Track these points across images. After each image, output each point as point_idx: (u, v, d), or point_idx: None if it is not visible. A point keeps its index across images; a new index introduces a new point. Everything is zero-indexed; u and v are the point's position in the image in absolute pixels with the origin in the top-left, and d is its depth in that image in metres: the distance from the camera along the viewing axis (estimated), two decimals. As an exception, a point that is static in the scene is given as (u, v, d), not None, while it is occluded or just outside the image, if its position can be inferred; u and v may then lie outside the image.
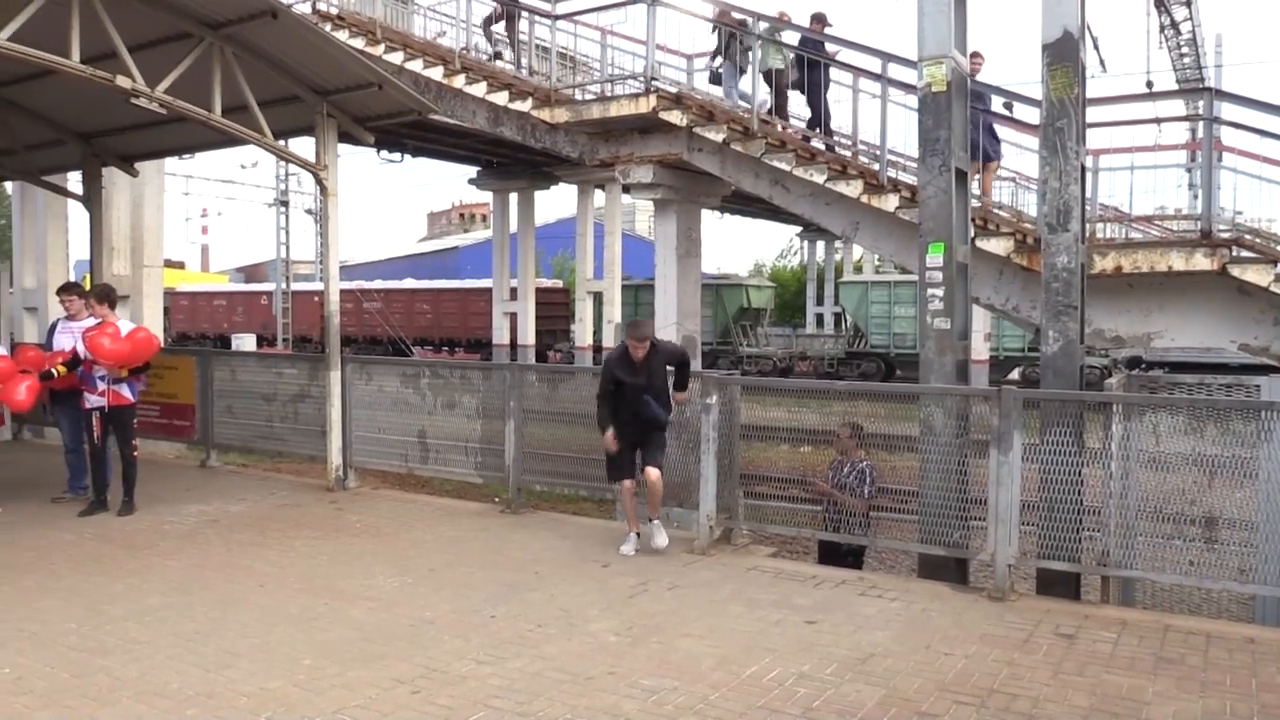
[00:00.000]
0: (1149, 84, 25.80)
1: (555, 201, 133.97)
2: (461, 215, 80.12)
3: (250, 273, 63.99)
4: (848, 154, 11.31)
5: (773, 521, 8.32)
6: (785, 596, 6.35)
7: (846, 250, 44.11)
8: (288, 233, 36.60)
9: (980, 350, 23.25)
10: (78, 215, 16.61)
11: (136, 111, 8.96)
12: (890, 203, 10.10)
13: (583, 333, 33.45)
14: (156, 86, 8.50)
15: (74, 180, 13.97)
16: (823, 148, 11.47)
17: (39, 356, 9.03)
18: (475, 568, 7.03)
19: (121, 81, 8.32)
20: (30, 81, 10.45)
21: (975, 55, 9.62)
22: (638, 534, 7.55)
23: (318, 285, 36.86)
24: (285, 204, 37.60)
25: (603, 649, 5.38)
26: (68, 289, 9.45)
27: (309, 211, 44.22)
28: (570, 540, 7.84)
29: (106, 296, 8.84)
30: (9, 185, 24.09)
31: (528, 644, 5.45)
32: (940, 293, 7.48)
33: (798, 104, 13.01)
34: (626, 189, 18.01)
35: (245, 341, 36.79)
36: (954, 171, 7.55)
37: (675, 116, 11.83)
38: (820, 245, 44.04)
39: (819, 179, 10.59)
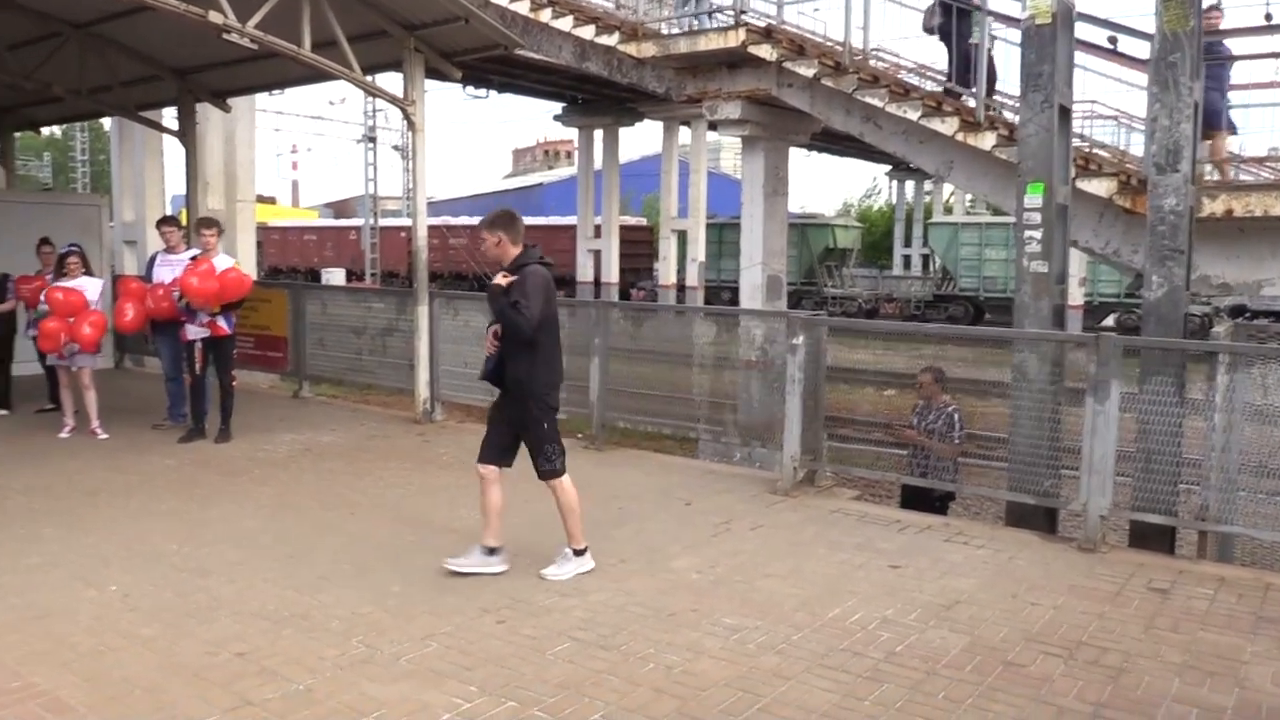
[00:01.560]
0: (1268, 16, 24.45)
1: (640, 138, 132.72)
2: (546, 152, 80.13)
3: (339, 208, 65.11)
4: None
5: (856, 464, 8.26)
6: (869, 540, 6.30)
7: (936, 190, 43.08)
8: (375, 169, 37.11)
9: (1075, 295, 22.60)
10: (173, 151, 17.05)
11: (229, 47, 9.07)
12: (987, 141, 9.78)
13: (666, 271, 33.37)
14: (247, 22, 8.59)
15: (169, 116, 14.28)
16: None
17: (140, 288, 9.31)
18: (559, 502, 7.10)
19: (214, 17, 8.41)
20: (127, 17, 10.63)
21: (1211, 10, 8.62)
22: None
23: (405, 221, 37.39)
24: (373, 140, 38.04)
25: (685, 586, 5.41)
26: (167, 222, 9.69)
27: (396, 148, 44.64)
28: (653, 477, 7.88)
29: (215, 225, 9.13)
30: (107, 122, 24.75)
31: (611, 578, 5.51)
32: (1038, 235, 7.24)
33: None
34: (713, 126, 17.76)
35: (334, 276, 37.56)
36: (1057, 108, 7.25)
37: (765, 51, 11.58)
38: (909, 185, 43.05)
39: (913, 116, 10.29)
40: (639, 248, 36.75)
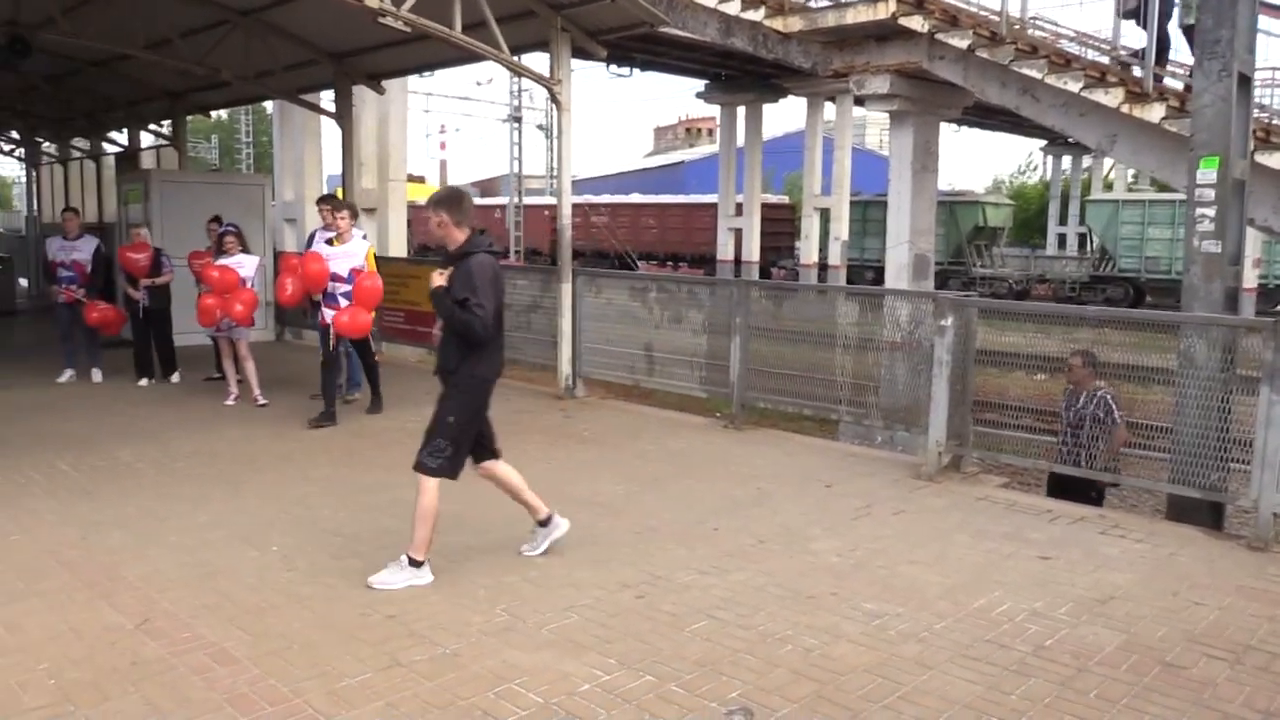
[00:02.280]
0: None
1: (783, 115, 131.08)
2: (688, 130, 79.99)
3: (484, 187, 66.59)
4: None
5: (1004, 451, 7.98)
6: (1017, 529, 6.09)
7: (1096, 166, 41.09)
8: (520, 147, 37.82)
9: (1249, 278, 21.23)
10: (330, 132, 17.73)
11: (383, 31, 9.35)
12: (1155, 112, 9.26)
13: (808, 250, 32.92)
14: (401, 5, 8.84)
15: (326, 99, 14.86)
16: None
17: (299, 264, 9.72)
18: (698, 480, 7.13)
19: (369, 1, 8.68)
20: (289, 3, 11.10)
21: None
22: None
23: (548, 199, 38.02)
24: (518, 119, 38.75)
25: (825, 569, 5.35)
26: (325, 200, 10.08)
27: (540, 127, 45.42)
28: (792, 458, 7.81)
29: (347, 207, 9.20)
30: (270, 105, 25.99)
31: (750, 558, 5.49)
32: (1211, 212, 6.81)
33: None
34: (860, 101, 17.37)
35: (480, 253, 38.36)
36: (1235, 76, 6.79)
37: (916, 22, 11.24)
38: (1066, 160, 41.20)
39: (1074, 87, 9.83)
40: (780, 226, 36.34)
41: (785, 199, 39.97)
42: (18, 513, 6.18)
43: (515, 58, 9.99)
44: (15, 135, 23.64)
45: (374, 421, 9.00)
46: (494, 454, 5.48)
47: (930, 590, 5.05)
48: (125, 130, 19.35)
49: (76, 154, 22.63)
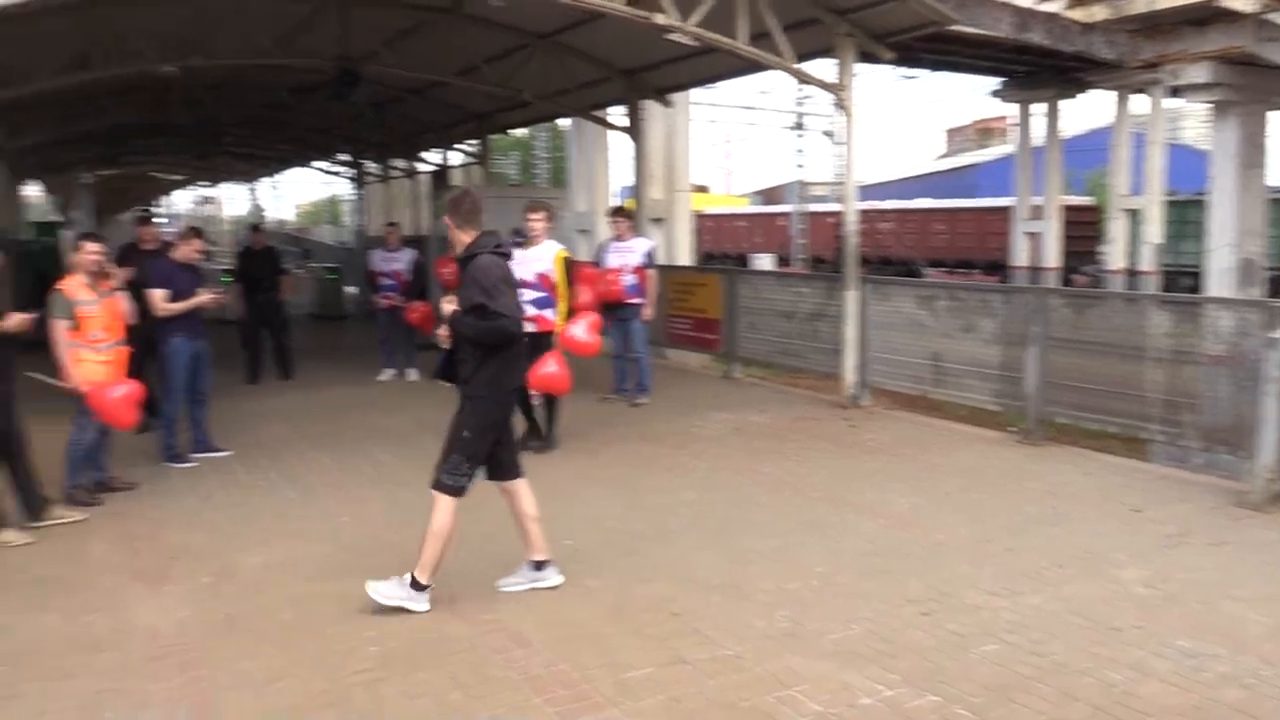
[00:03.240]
0: None
1: (1083, 112, 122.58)
2: (981, 130, 76.57)
3: (768, 195, 66.82)
4: None
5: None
6: (1367, 568, 5.38)
7: None
8: (804, 155, 37.62)
9: None
10: (620, 146, 18.51)
11: (670, 46, 9.65)
12: None
13: (1114, 254, 30.61)
14: (688, 20, 9.07)
15: (615, 114, 15.50)
16: None
17: (592, 273, 10.20)
18: (990, 496, 6.82)
19: (658, 18, 8.97)
20: (584, 25, 11.68)
21: None
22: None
23: (832, 206, 37.60)
24: (802, 127, 38.63)
25: (1130, 599, 4.96)
26: (616, 212, 10.53)
27: (825, 133, 45.01)
28: (1093, 477, 7.30)
29: (544, 209, 8.21)
30: (565, 122, 27.41)
31: (1045, 581, 5.19)
32: None
33: None
34: (1175, 92, 15.98)
35: (763, 261, 38.70)
36: None
37: (1240, 3, 10.20)
38: None
39: None
40: (1082, 229, 33.95)
41: (1089, 200, 37.35)
42: (349, 499, 6.89)
43: (799, 65, 9.98)
44: (345, 158, 26.32)
45: (662, 425, 9.24)
46: (518, 473, 5.17)
47: (1254, 630, 4.57)
48: (438, 150, 21.06)
49: (396, 173, 24.91)
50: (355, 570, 5.26)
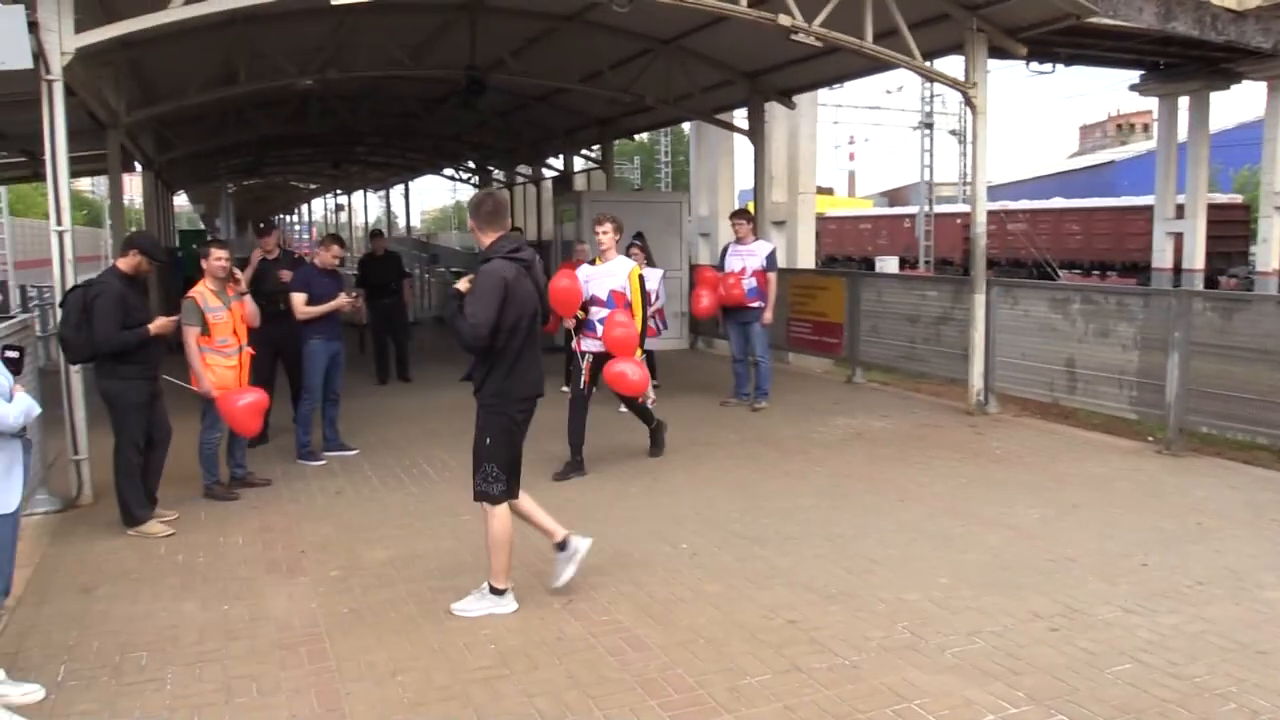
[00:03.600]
0: None
1: (1230, 105, 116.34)
2: (1119, 126, 73.47)
3: (892, 196, 65.59)
4: None
5: None
6: None
7: None
8: (931, 155, 36.82)
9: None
10: (741, 149, 18.38)
11: (794, 47, 9.54)
12: None
13: (1267, 256, 28.94)
14: (813, 21, 8.96)
15: (738, 117, 15.44)
16: None
17: (714, 277, 10.19)
18: (1124, 509, 6.52)
19: (783, 20, 8.89)
20: (707, 29, 11.67)
21: None
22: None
23: (959, 207, 36.68)
24: (929, 126, 37.76)
25: (1279, 622, 4.67)
26: (738, 215, 10.47)
27: (953, 133, 43.93)
28: (1240, 492, 6.91)
29: (611, 220, 7.79)
30: (686, 127, 27.38)
31: (1184, 600, 4.93)
32: None
33: None
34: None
35: (888, 264, 37.93)
36: None
37: None
38: None
39: None
40: (1231, 229, 32.18)
41: (1238, 199, 35.40)
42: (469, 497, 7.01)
43: (928, 63, 9.75)
44: (471, 165, 26.94)
45: (780, 429, 9.15)
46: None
47: None
48: (561, 156, 21.36)
49: (520, 179, 25.37)
50: (475, 567, 5.35)
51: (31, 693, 4.08)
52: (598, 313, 7.65)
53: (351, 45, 12.02)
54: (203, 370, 6.77)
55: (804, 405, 10.25)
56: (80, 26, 6.68)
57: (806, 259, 17.96)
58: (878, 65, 10.64)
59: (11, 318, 8.65)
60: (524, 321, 4.85)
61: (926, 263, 36.01)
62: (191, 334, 6.78)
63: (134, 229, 13.38)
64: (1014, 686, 4.02)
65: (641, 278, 7.78)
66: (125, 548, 6.08)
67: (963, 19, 9.49)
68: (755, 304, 9.93)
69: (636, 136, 26.47)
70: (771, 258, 10.04)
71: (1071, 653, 4.34)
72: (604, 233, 7.62)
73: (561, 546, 5.13)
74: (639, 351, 7.68)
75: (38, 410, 3.70)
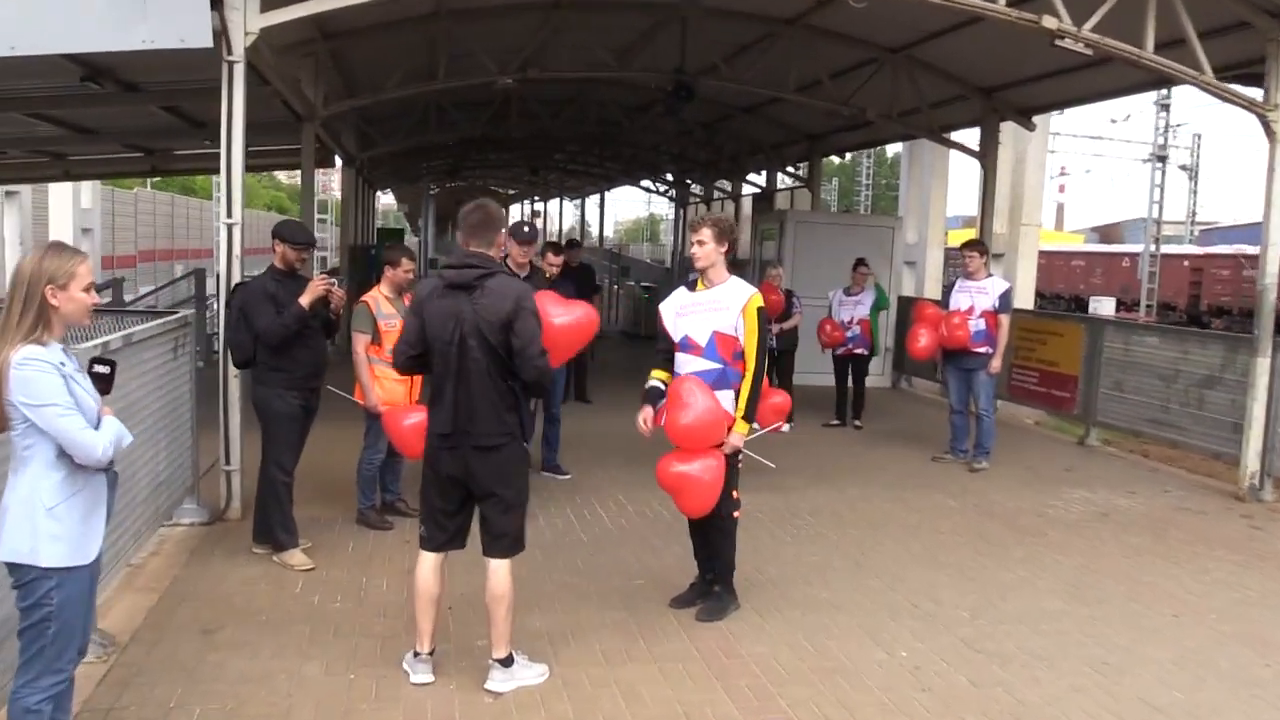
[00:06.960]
0: None
1: None
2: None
3: (1104, 233, 61.32)
4: None
5: None
6: None
7: None
8: (1162, 190, 33.75)
9: None
10: (957, 174, 16.91)
11: (1041, 59, 8.28)
12: None
13: None
14: (1083, 25, 7.67)
15: (960, 137, 14.02)
16: None
17: (936, 314, 8.94)
18: None
19: (1047, 21, 7.64)
20: (940, 37, 10.48)
21: None
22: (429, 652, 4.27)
23: (1187, 248, 33.53)
24: (1162, 159, 34.68)
25: None
26: (971, 245, 9.16)
27: (1183, 168, 40.45)
28: None
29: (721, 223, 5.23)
30: (890, 148, 25.91)
31: None
32: None
33: None
34: None
35: (1103, 305, 34.87)
36: None
37: None
38: None
39: None
40: None
41: None
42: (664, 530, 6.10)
43: (1217, 80, 8.23)
44: (669, 177, 26.27)
45: (1007, 500, 7.82)
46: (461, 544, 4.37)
47: None
48: (764, 172, 20.35)
49: (718, 194, 24.47)
50: (647, 660, 4.41)
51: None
52: (688, 363, 5.01)
53: (554, 45, 11.45)
54: (370, 382, 6.14)
55: (1029, 469, 8.88)
56: (267, 5, 6.16)
57: (1025, 298, 16.19)
58: (1146, 82, 9.24)
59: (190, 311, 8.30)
60: (440, 346, 4.12)
61: (1149, 306, 32.93)
62: (361, 341, 6.17)
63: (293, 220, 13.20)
64: None
65: (762, 311, 4.99)
66: (261, 578, 5.45)
67: (1266, 28, 7.95)
68: (982, 349, 8.62)
69: (840, 156, 25.28)
70: (1006, 297, 8.71)
71: None
72: (699, 242, 4.97)
73: (428, 654, 4.31)
74: (745, 391, 4.93)
75: (129, 439, 3.02)
